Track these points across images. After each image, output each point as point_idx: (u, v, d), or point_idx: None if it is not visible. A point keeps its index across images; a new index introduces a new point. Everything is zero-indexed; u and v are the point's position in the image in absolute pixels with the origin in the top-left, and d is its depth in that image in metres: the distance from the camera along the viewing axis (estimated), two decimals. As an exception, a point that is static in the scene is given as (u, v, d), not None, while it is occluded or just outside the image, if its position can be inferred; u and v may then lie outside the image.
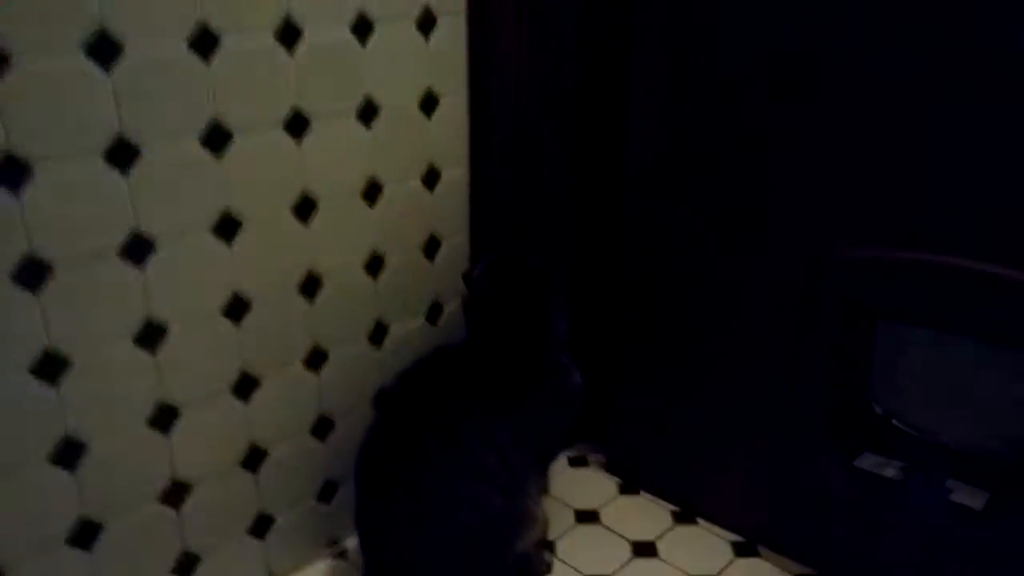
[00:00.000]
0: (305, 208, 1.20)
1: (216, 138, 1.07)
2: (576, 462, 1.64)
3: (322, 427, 1.32)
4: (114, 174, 0.99)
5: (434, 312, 1.45)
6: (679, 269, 1.38)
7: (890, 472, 1.26)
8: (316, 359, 1.29)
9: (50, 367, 1.00)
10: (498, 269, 1.35)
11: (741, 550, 1.41)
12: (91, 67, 0.94)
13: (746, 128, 1.24)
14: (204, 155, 1.07)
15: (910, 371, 1.30)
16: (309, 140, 1.17)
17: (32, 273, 0.96)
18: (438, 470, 1.18)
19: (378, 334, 1.37)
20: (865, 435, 1.31)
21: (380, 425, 1.28)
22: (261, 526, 1.28)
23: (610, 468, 1.61)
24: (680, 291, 1.39)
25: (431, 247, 1.41)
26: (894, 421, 1.29)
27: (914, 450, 1.26)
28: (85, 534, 1.08)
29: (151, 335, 1.08)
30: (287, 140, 1.15)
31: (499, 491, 1.21)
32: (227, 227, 1.12)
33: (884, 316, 1.24)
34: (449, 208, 1.42)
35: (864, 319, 1.26)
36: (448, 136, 1.37)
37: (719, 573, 1.36)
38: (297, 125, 1.15)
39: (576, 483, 1.58)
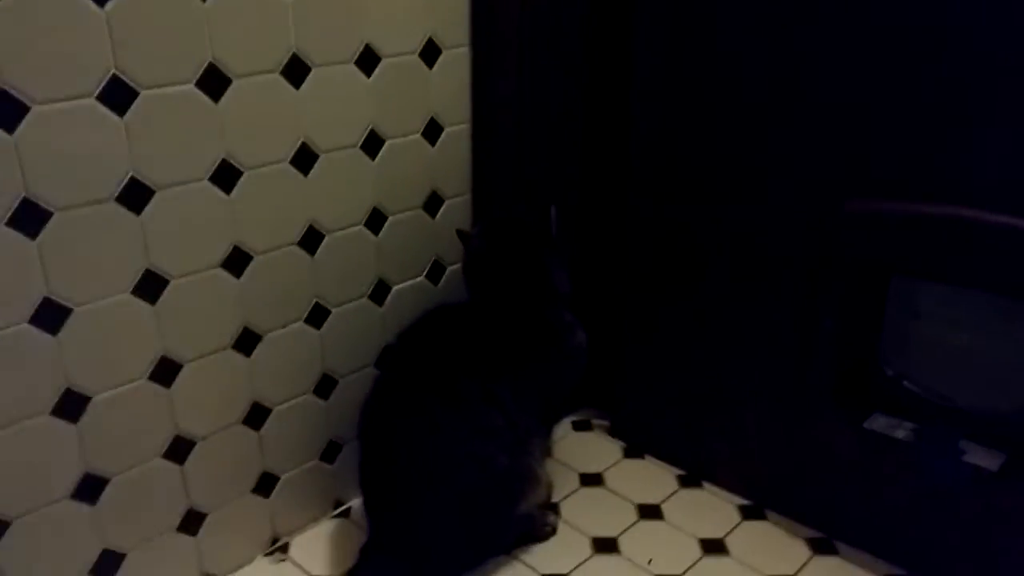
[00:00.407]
0: (305, 159, 1.18)
1: (214, 81, 1.05)
2: (580, 426, 1.62)
3: (325, 386, 1.31)
4: (111, 116, 0.97)
5: (436, 271, 1.43)
6: (687, 227, 1.35)
7: (901, 434, 1.24)
8: (318, 316, 1.27)
9: (49, 316, 0.98)
10: (496, 229, 1.33)
11: (748, 513, 1.39)
12: (85, 2, 0.92)
13: (755, 76, 1.20)
14: (202, 99, 1.04)
15: (922, 331, 1.28)
16: (308, 87, 1.14)
17: (29, 218, 0.94)
18: (442, 430, 1.17)
19: (380, 292, 1.35)
20: (875, 397, 1.29)
21: (383, 385, 1.26)
22: (265, 484, 1.27)
23: (615, 432, 1.59)
24: (687, 251, 1.37)
25: (433, 204, 1.39)
26: (905, 383, 1.27)
27: (926, 412, 1.24)
28: (90, 488, 1.07)
29: (150, 286, 1.06)
30: (286, 86, 1.12)
31: (503, 450, 1.20)
32: (225, 175, 1.10)
33: (898, 272, 1.22)
34: (451, 164, 1.39)
35: (877, 276, 1.24)
36: (450, 88, 1.34)
37: (726, 536, 1.34)
38: (295, 70, 1.13)
39: (580, 447, 1.56)
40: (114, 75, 0.96)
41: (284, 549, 1.31)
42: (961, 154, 1.07)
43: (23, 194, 0.93)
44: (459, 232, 1.35)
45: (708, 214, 1.32)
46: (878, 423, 1.27)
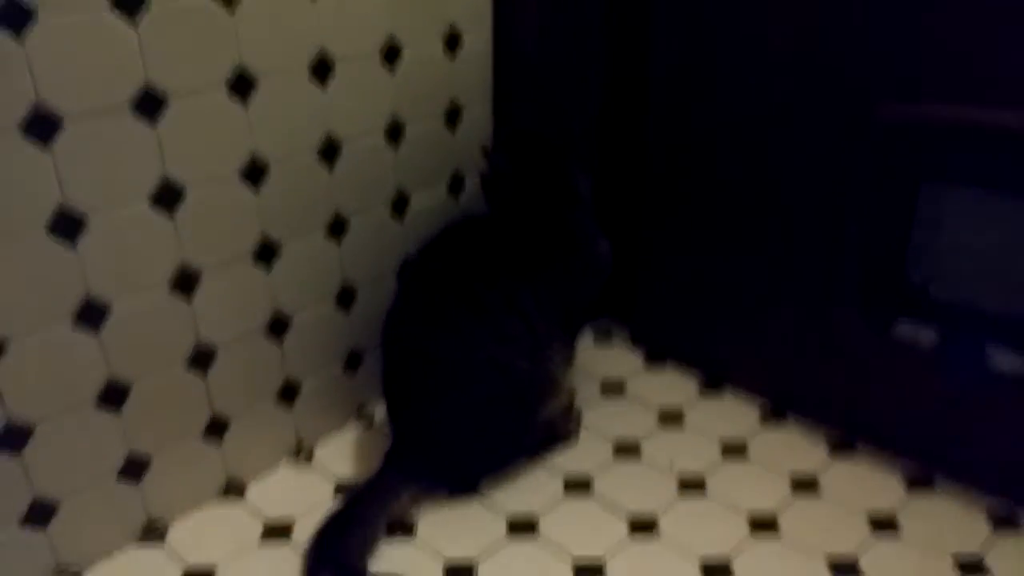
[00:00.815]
0: (322, 68, 1.15)
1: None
2: (601, 335, 1.63)
3: (345, 296, 1.31)
4: (123, 24, 0.95)
5: (455, 183, 1.41)
6: (710, 130, 1.32)
7: (926, 339, 1.23)
8: (337, 228, 1.26)
9: (66, 225, 0.98)
10: (516, 139, 1.31)
11: (769, 416, 1.40)
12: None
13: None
14: (216, 6, 1.02)
15: (950, 237, 1.25)
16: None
17: (42, 126, 0.92)
18: (463, 336, 1.17)
19: (399, 204, 1.33)
20: (900, 303, 1.28)
21: (404, 295, 1.26)
22: (289, 393, 1.29)
23: (635, 340, 1.59)
24: (710, 154, 1.34)
25: (452, 116, 1.36)
26: (931, 289, 1.25)
27: (952, 317, 1.23)
28: (113, 395, 1.09)
29: (168, 196, 1.05)
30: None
31: (524, 356, 1.20)
32: (242, 84, 1.07)
33: (928, 178, 1.19)
34: (471, 75, 1.36)
35: (907, 182, 1.20)
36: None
37: (747, 439, 1.36)
38: (309, -27, 1.09)
39: (601, 355, 1.57)
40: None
41: (309, 454, 1.34)
42: (998, 56, 1.02)
43: (34, 101, 0.91)
44: (483, 151, 1.33)
45: (734, 114, 1.28)
46: (903, 329, 1.26)
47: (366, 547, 1.13)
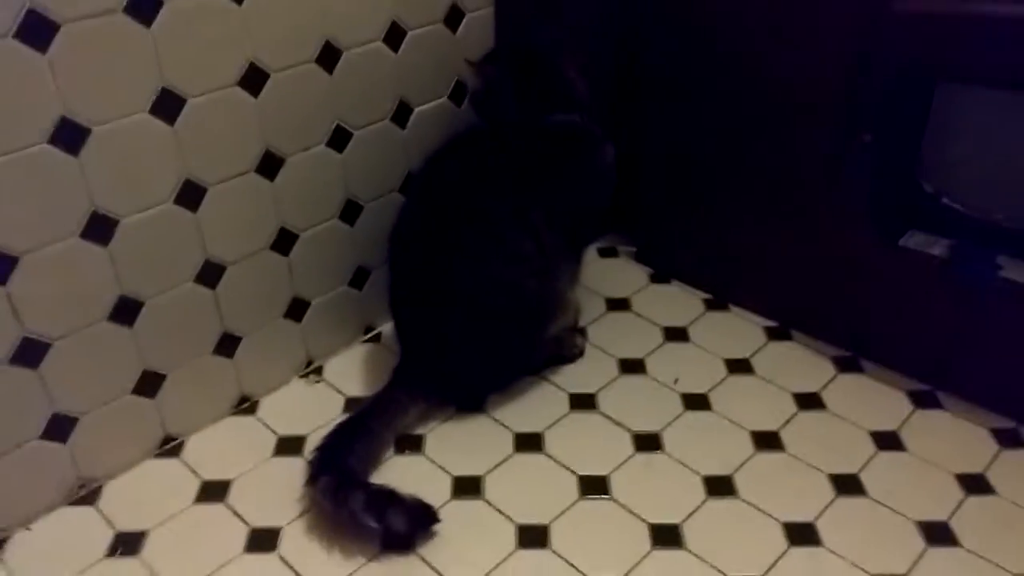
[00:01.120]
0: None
1: None
2: (606, 253, 1.61)
3: (350, 211, 1.29)
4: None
5: (458, 91, 1.37)
6: (714, 34, 1.27)
7: (937, 250, 1.22)
8: (340, 139, 1.23)
9: (68, 135, 0.95)
10: (505, 53, 1.28)
11: (774, 334, 1.40)
12: None
13: None
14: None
15: (963, 144, 1.23)
16: None
17: (37, 30, 0.89)
18: (473, 254, 1.16)
19: (402, 113, 1.30)
20: (912, 213, 1.26)
21: (411, 210, 1.25)
22: (297, 309, 1.29)
23: (640, 258, 1.58)
24: (714, 53, 1.29)
25: (453, 18, 1.31)
26: (944, 199, 1.24)
27: (964, 227, 1.21)
28: (126, 310, 1.08)
29: (168, 105, 1.03)
30: None
31: (533, 274, 1.20)
32: (237, -12, 1.03)
33: (945, 76, 1.15)
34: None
35: (921, 82, 1.17)
36: None
37: (752, 356, 1.36)
38: None
39: (607, 273, 1.56)
40: None
41: (318, 371, 1.35)
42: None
43: (27, 4, 0.88)
44: (468, 62, 1.28)
45: (741, 20, 1.23)
46: (914, 240, 1.24)
47: (369, 458, 1.15)
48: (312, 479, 1.08)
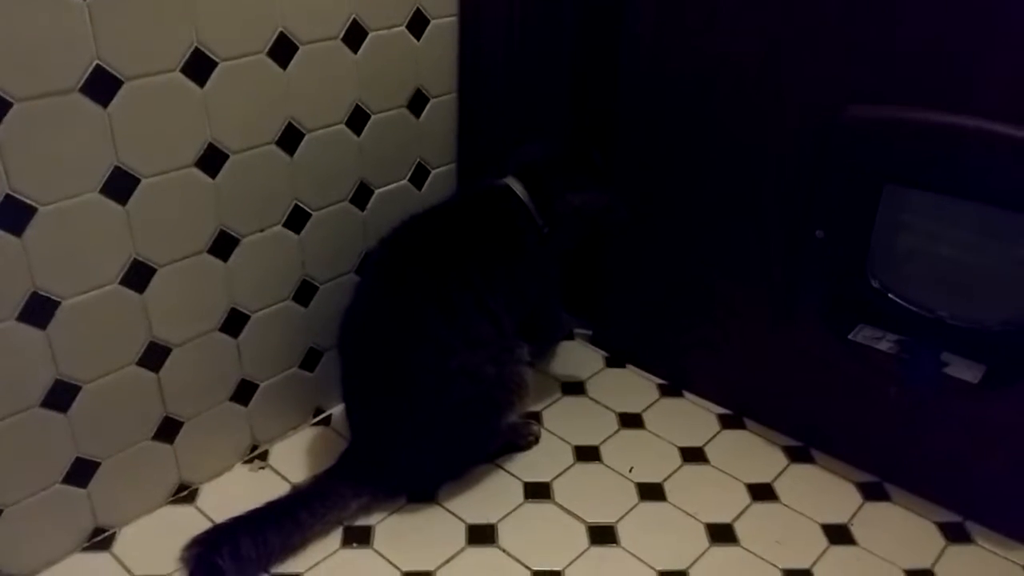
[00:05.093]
0: (283, 50, 1.10)
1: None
2: (563, 336, 1.61)
3: (304, 292, 1.26)
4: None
5: (420, 174, 1.37)
6: (676, 132, 1.31)
7: (885, 345, 1.25)
8: (297, 220, 1.21)
9: (13, 215, 0.92)
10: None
11: (728, 422, 1.41)
12: None
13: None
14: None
15: (909, 243, 1.27)
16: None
17: (-13, 108, 0.86)
18: (435, 342, 1.14)
19: (362, 195, 1.29)
20: (860, 309, 1.29)
21: (368, 292, 1.22)
22: (244, 392, 1.24)
23: (596, 341, 1.58)
24: (676, 156, 1.33)
25: (417, 103, 1.32)
26: (890, 295, 1.27)
27: (910, 324, 1.25)
28: (62, 395, 1.03)
29: (120, 184, 1.00)
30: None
31: (491, 360, 1.18)
32: (198, 66, 1.02)
33: (891, 179, 1.20)
34: (437, 59, 1.32)
35: (869, 184, 1.21)
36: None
37: (706, 444, 1.36)
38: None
39: (563, 356, 1.55)
40: (74, -52, 0.87)
41: (264, 456, 1.29)
42: (963, 62, 1.03)
43: (-21, 83, 0.85)
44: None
45: (701, 118, 1.27)
46: (862, 334, 1.27)
47: (278, 548, 1.09)
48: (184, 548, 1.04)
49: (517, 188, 1.25)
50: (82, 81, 0.92)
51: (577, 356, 1.56)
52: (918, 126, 1.09)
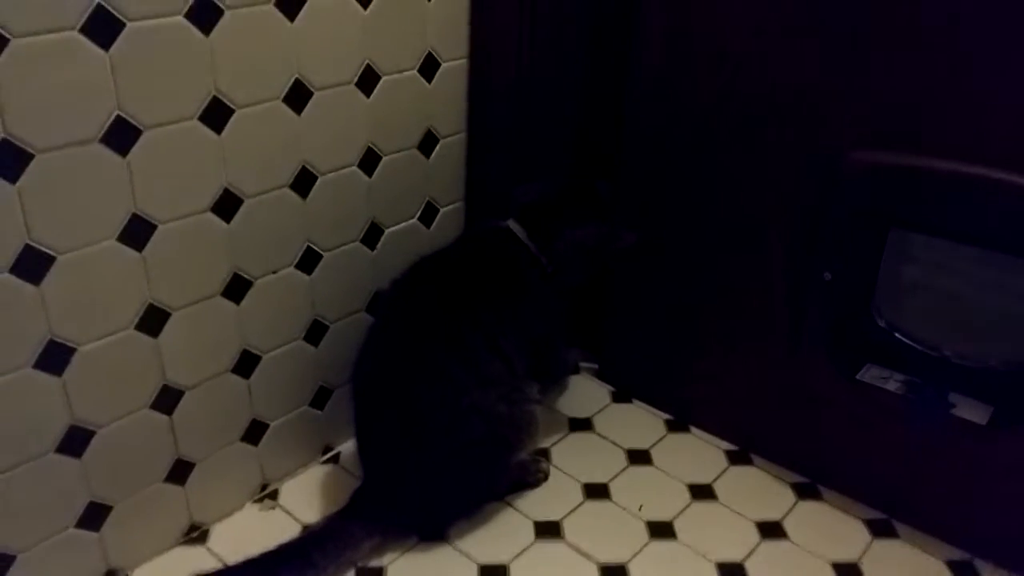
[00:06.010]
0: (298, 97, 1.11)
1: (203, 14, 0.97)
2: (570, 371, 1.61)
3: (315, 331, 1.27)
4: (95, 49, 0.89)
5: (429, 213, 1.38)
6: (681, 172, 1.32)
7: (892, 385, 1.26)
8: (309, 261, 1.22)
9: (31, 264, 0.92)
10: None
11: (735, 458, 1.41)
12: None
13: (759, 23, 1.16)
14: (192, 32, 0.97)
15: (916, 283, 1.29)
16: (302, 20, 1.07)
17: (8, 160, 0.87)
18: (447, 380, 1.14)
19: (372, 235, 1.30)
20: (867, 348, 1.30)
21: (379, 332, 1.23)
22: (255, 432, 1.24)
23: (603, 376, 1.59)
24: (681, 195, 1.34)
25: (428, 144, 1.33)
26: (897, 335, 1.28)
27: (917, 364, 1.26)
28: (76, 441, 1.03)
29: (137, 231, 1.00)
30: (279, 19, 1.05)
31: (503, 399, 1.19)
32: (216, 114, 1.03)
33: (897, 224, 1.21)
34: (447, 101, 1.33)
35: (875, 227, 1.23)
36: (447, 20, 1.27)
37: (714, 481, 1.36)
38: (289, 3, 1.05)
39: (569, 391, 1.56)
40: (99, 5, 0.88)
41: (274, 496, 1.29)
42: (968, 109, 1.05)
43: (1, 134, 0.85)
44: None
45: (708, 156, 1.28)
46: (870, 374, 1.28)
47: None
48: None
49: (517, 230, 1.26)
50: (103, 131, 0.93)
51: (584, 391, 1.56)
52: (924, 172, 1.11)
